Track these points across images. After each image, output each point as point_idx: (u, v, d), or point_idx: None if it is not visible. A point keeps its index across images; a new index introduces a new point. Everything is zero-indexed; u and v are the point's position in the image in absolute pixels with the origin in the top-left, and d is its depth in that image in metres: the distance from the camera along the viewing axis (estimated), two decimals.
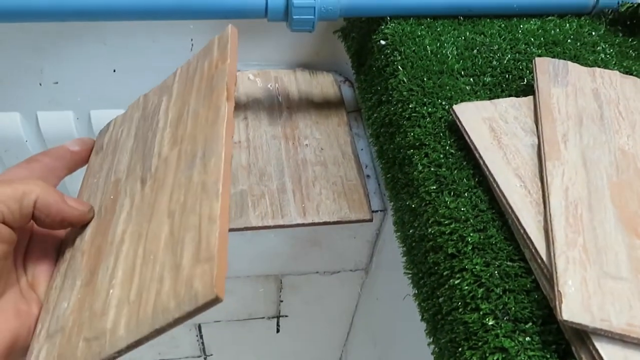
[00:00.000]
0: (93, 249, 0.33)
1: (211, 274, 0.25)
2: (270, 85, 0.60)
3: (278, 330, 0.70)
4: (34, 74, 0.59)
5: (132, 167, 0.36)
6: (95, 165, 0.40)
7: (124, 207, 0.34)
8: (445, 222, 0.34)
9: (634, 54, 0.46)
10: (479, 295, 0.31)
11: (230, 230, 0.46)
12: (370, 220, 0.48)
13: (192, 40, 0.58)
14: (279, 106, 0.58)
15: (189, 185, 0.30)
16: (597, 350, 0.26)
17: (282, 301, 0.63)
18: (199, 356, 0.73)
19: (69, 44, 0.57)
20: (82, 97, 0.63)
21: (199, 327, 0.67)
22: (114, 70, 0.60)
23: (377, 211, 0.50)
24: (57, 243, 0.34)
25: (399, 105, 0.42)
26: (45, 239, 0.33)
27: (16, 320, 0.29)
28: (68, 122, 0.64)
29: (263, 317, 0.66)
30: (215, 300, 0.25)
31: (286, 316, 0.67)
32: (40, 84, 0.60)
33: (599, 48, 0.46)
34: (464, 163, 0.37)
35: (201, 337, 0.69)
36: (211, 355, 0.74)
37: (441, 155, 0.37)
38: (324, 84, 0.62)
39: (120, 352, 0.27)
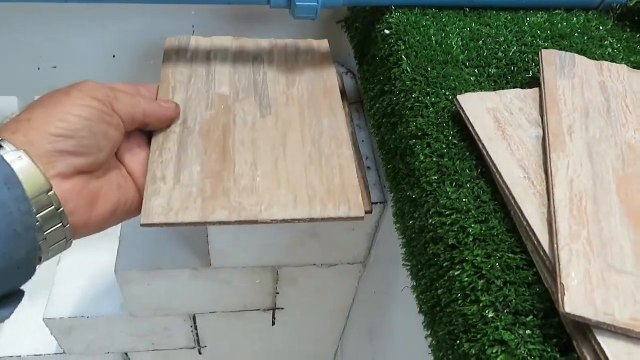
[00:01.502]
0: (213, 137, 0.41)
1: (360, 202, 0.38)
2: None
3: (274, 323, 0.69)
4: (33, 58, 0.58)
5: (243, 95, 0.45)
6: (182, 67, 0.47)
7: (247, 122, 0.42)
8: (447, 213, 0.33)
9: None
10: (479, 287, 0.30)
11: None
12: (370, 212, 0.48)
13: (193, 26, 0.57)
14: None
15: (321, 140, 0.41)
16: (599, 345, 0.25)
17: (278, 293, 0.63)
18: (193, 347, 0.73)
19: (69, 28, 0.56)
20: None
21: (194, 318, 0.66)
22: (114, 56, 0.60)
23: (376, 203, 0.49)
24: (144, 138, 0.41)
25: (402, 95, 0.41)
26: (137, 135, 0.41)
27: (119, 191, 0.36)
28: None
29: (259, 309, 0.66)
30: (361, 218, 0.37)
31: (282, 309, 0.66)
32: (39, 68, 0.59)
33: (606, 42, 0.45)
34: (467, 154, 0.36)
35: (196, 328, 0.68)
36: (205, 347, 0.73)
37: (444, 146, 0.37)
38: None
39: (273, 222, 0.36)
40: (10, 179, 0.28)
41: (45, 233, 0.30)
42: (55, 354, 0.68)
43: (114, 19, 0.56)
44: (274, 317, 0.68)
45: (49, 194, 0.30)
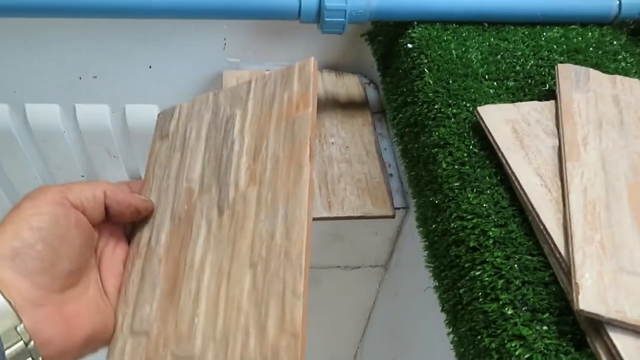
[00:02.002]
0: (170, 259, 0.36)
1: (296, 351, 0.28)
2: None
3: None
4: (75, 68, 0.62)
5: (207, 184, 0.38)
6: (162, 154, 0.42)
7: (201, 230, 0.36)
8: (468, 217, 0.36)
9: None
10: (499, 286, 0.32)
11: None
12: (393, 216, 0.50)
13: (225, 39, 0.61)
14: None
15: (271, 244, 0.33)
16: (611, 340, 0.28)
17: None
18: None
19: (110, 41, 0.60)
20: (118, 92, 0.65)
21: None
22: (150, 67, 0.63)
23: (399, 208, 0.52)
24: (124, 247, 0.38)
25: (425, 106, 0.44)
26: (112, 240, 0.37)
27: (97, 315, 0.33)
28: (104, 115, 0.67)
29: None
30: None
31: None
32: (80, 78, 0.63)
33: (620, 57, 0.47)
34: (487, 162, 0.39)
35: None
36: None
37: (465, 154, 0.39)
38: (349, 85, 0.64)
39: None
40: None
41: None
42: None
43: (150, 32, 0.60)
44: None
45: (18, 328, 0.27)
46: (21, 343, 0.28)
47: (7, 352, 0.27)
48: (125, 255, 0.37)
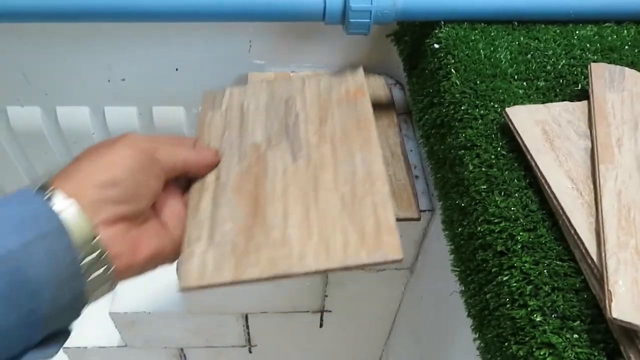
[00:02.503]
0: (245, 192, 0.41)
1: (397, 242, 0.34)
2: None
3: (321, 325, 0.72)
4: (104, 71, 0.63)
5: (275, 141, 0.44)
6: (216, 119, 0.47)
7: (277, 171, 0.41)
8: (495, 221, 0.35)
9: None
10: (527, 292, 0.31)
11: None
12: (418, 219, 0.50)
13: (250, 41, 0.61)
14: None
15: (354, 179, 0.38)
16: None
17: (327, 296, 0.65)
18: (244, 346, 0.76)
19: (137, 44, 0.61)
20: (146, 94, 0.67)
21: (246, 317, 0.69)
22: (176, 69, 0.64)
23: (424, 211, 0.51)
24: (178, 187, 0.43)
25: (451, 107, 0.43)
26: (171, 182, 0.42)
27: (156, 239, 0.37)
28: (132, 117, 0.68)
29: (307, 311, 0.68)
30: (400, 260, 0.34)
31: (330, 311, 0.69)
32: (109, 81, 0.64)
33: None
34: (515, 164, 0.38)
35: (247, 327, 0.71)
36: (255, 345, 0.77)
37: (492, 156, 0.38)
38: (375, 86, 0.64)
39: (307, 274, 0.35)
40: (60, 228, 0.30)
41: (89, 279, 0.32)
42: (118, 346, 0.73)
43: (176, 35, 0.61)
44: (321, 319, 0.71)
45: (93, 241, 0.32)
46: (96, 254, 0.32)
47: (83, 261, 0.31)
48: (178, 195, 0.42)
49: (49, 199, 0.31)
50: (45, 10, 0.46)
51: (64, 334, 0.32)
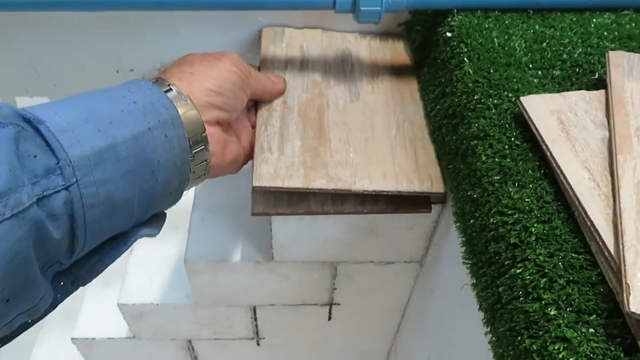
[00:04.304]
0: (310, 118, 0.48)
1: (439, 176, 0.44)
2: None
3: (330, 318, 0.71)
4: (113, 62, 0.63)
5: (334, 81, 0.52)
6: (279, 55, 0.54)
7: (338, 105, 0.49)
8: (509, 213, 0.34)
9: None
10: (542, 285, 0.31)
11: (290, 214, 0.48)
12: (429, 211, 0.49)
13: (259, 31, 0.60)
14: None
15: (404, 124, 0.48)
16: None
17: (335, 289, 0.64)
18: (252, 338, 0.76)
19: (146, 34, 0.60)
20: None
21: (254, 309, 0.69)
22: None
23: (435, 202, 0.50)
24: (246, 112, 0.49)
25: (464, 97, 0.42)
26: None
27: (236, 145, 0.44)
28: None
29: (316, 304, 0.68)
30: (442, 194, 0.44)
31: (339, 304, 0.68)
32: (118, 71, 0.64)
33: None
34: (530, 155, 0.37)
35: (255, 319, 0.71)
36: (263, 338, 0.76)
37: (506, 147, 0.37)
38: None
39: (365, 192, 0.43)
40: (176, 119, 0.34)
41: (195, 166, 0.37)
42: (126, 337, 0.73)
43: (184, 24, 0.60)
44: (330, 312, 0.70)
45: (202, 134, 0.36)
46: (203, 147, 0.37)
47: (192, 151, 0.36)
48: (245, 114, 0.48)
49: (167, 91, 0.36)
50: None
51: (163, 217, 0.37)
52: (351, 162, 0.44)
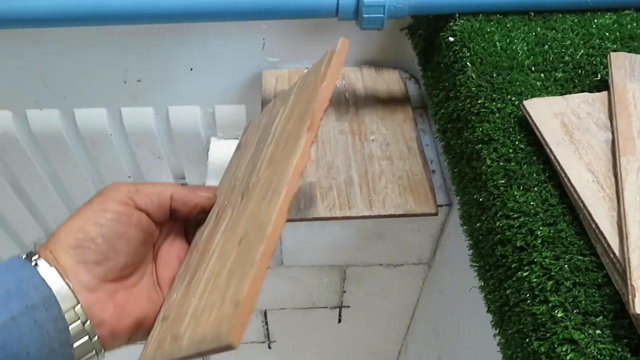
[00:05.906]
0: (202, 250, 0.36)
1: (232, 321, 0.25)
2: (338, 82, 0.62)
3: (340, 320, 0.72)
4: (120, 73, 0.64)
5: (244, 179, 0.37)
6: (232, 161, 0.44)
7: (226, 219, 0.35)
8: (514, 216, 0.35)
9: None
10: (548, 288, 0.31)
11: (299, 220, 0.48)
12: (436, 214, 0.49)
13: (264, 39, 0.61)
14: (346, 102, 0.60)
15: (256, 219, 0.30)
16: None
17: (345, 292, 0.65)
18: (263, 342, 0.77)
19: (152, 45, 0.61)
20: (161, 94, 0.67)
21: (265, 313, 0.70)
22: (191, 69, 0.64)
23: (442, 205, 0.51)
24: (181, 243, 0.40)
25: (468, 101, 0.43)
26: (171, 235, 0.39)
27: (147, 304, 0.35)
28: (148, 117, 0.69)
29: (326, 307, 0.69)
30: (228, 347, 0.25)
31: (348, 307, 0.69)
32: (125, 82, 0.65)
33: None
34: (534, 158, 0.37)
35: (266, 323, 0.72)
36: (275, 341, 0.77)
37: (510, 150, 0.38)
38: (389, 81, 0.63)
39: None
40: (48, 299, 0.30)
41: (75, 346, 0.31)
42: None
43: (190, 35, 0.61)
44: (340, 315, 0.71)
45: (76, 308, 0.31)
46: (79, 322, 0.31)
47: (70, 329, 0.30)
48: (181, 250, 0.39)
49: (35, 267, 0.30)
50: (61, 15, 0.46)
51: None
52: (187, 312, 0.31)
